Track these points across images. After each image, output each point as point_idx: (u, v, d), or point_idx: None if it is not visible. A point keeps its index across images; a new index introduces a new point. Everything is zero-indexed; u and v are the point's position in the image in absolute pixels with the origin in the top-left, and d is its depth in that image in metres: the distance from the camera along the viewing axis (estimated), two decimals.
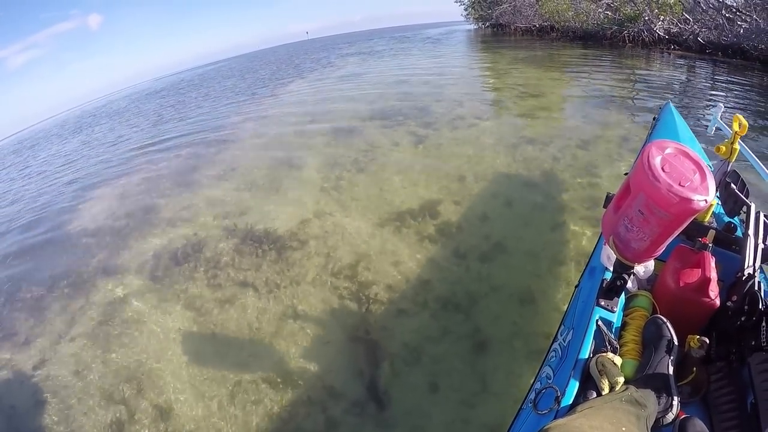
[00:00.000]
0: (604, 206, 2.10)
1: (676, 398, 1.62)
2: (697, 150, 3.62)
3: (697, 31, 16.11)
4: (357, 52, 38.18)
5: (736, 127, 2.45)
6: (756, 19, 13.50)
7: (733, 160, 2.62)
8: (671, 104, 4.55)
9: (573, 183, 5.67)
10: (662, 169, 1.45)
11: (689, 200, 1.39)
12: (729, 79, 11.54)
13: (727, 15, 14.80)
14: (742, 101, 9.08)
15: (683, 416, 1.60)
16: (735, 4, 14.96)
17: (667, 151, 1.51)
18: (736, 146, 2.55)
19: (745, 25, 13.97)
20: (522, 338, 3.42)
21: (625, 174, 1.66)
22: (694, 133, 4.17)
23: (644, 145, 3.61)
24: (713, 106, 3.34)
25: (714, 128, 3.22)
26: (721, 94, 9.79)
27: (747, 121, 2.46)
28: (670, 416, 1.60)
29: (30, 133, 53.50)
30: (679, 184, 1.42)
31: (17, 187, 14.06)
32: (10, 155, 28.34)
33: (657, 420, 1.58)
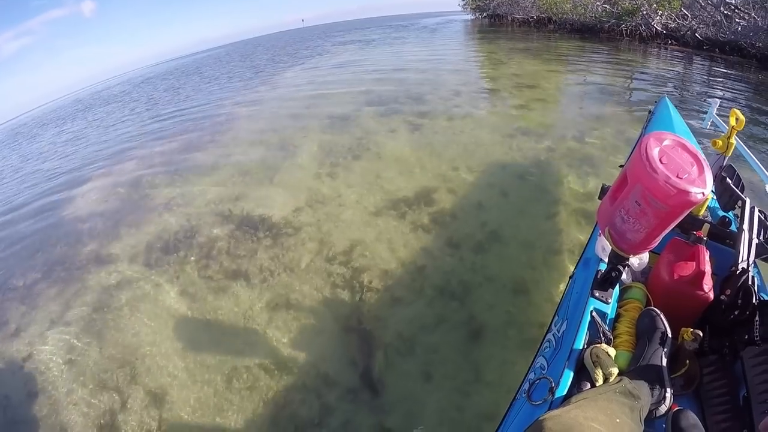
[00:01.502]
0: (600, 197, 2.10)
1: (669, 390, 1.63)
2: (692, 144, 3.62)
3: (695, 27, 16.10)
4: (353, 40, 37.91)
5: (733, 121, 2.45)
6: (754, 17, 13.51)
7: (729, 154, 2.62)
8: (667, 98, 4.54)
9: (568, 174, 5.68)
10: (660, 160, 1.44)
11: (687, 192, 1.38)
12: (726, 75, 11.56)
13: (725, 12, 14.80)
14: (738, 97, 9.12)
15: (676, 408, 1.60)
16: (734, 2, 14.96)
17: (665, 142, 1.50)
18: (733, 141, 2.55)
19: (743, 22, 13.98)
20: (516, 328, 3.44)
21: (621, 166, 1.66)
22: (689, 127, 4.17)
23: (639, 138, 3.61)
24: (710, 101, 3.34)
25: (710, 123, 3.23)
26: (718, 89, 9.82)
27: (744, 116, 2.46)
28: (663, 408, 1.61)
29: (25, 119, 52.96)
30: (677, 176, 1.41)
31: (9, 174, 13.97)
32: (4, 140, 28.16)
33: (650, 412, 1.59)
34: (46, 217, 7.94)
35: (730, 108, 2.59)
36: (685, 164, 1.45)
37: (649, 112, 4.49)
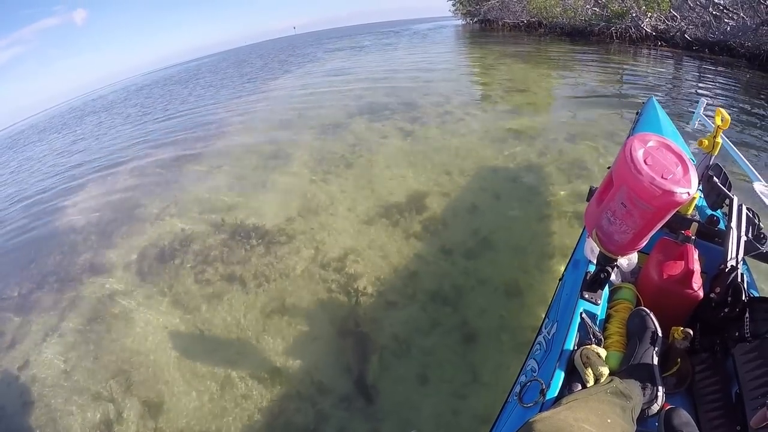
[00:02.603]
0: (587, 199, 2.11)
1: (660, 389, 1.63)
2: (679, 144, 3.65)
3: (684, 28, 16.22)
4: (344, 47, 37.98)
5: (718, 121, 2.46)
6: (743, 17, 13.62)
7: (716, 153, 2.64)
8: (654, 99, 4.57)
9: (559, 177, 5.70)
10: (645, 161, 1.44)
11: (672, 193, 1.39)
12: (715, 75, 11.66)
13: (714, 12, 14.91)
14: (727, 97, 9.19)
15: (668, 407, 1.60)
16: (722, 2, 15.07)
17: (650, 143, 1.51)
18: (719, 140, 2.56)
19: (731, 22, 14.09)
20: (509, 331, 3.45)
21: (608, 168, 1.67)
22: (677, 127, 4.20)
23: (627, 139, 3.64)
24: (697, 101, 3.37)
25: (697, 122, 3.25)
26: (707, 89, 9.90)
27: (730, 115, 2.48)
28: (656, 407, 1.61)
29: (16, 129, 52.88)
30: (662, 177, 1.41)
31: (3, 183, 13.92)
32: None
33: (642, 411, 1.59)
34: (40, 227, 7.93)
35: (718, 107, 2.61)
36: (670, 165, 1.46)
37: (637, 113, 4.52)
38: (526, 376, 1.85)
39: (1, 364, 4.39)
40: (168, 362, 3.82)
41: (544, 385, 1.62)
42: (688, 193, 1.41)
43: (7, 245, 7.53)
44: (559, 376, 1.66)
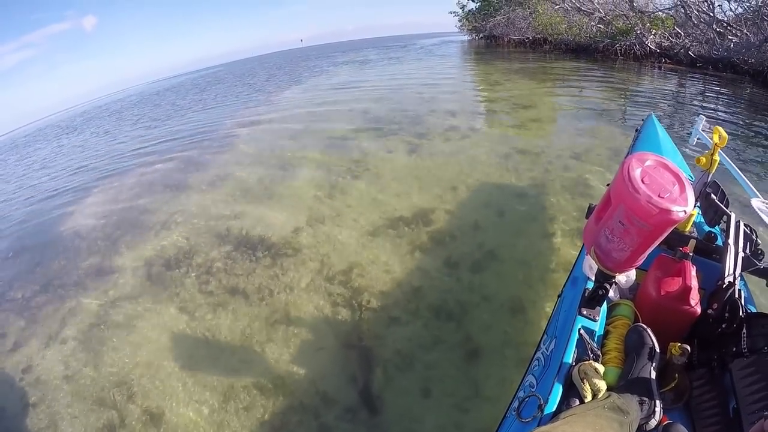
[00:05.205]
0: (586, 217, 2.14)
1: (658, 404, 1.65)
2: (678, 161, 3.69)
3: (688, 45, 16.29)
4: (350, 60, 38.17)
5: (716, 138, 2.50)
6: (746, 34, 13.69)
7: (713, 170, 2.67)
8: (654, 116, 4.61)
9: (563, 193, 5.72)
10: (642, 180, 1.48)
11: (668, 211, 1.42)
12: (718, 92, 11.70)
13: (717, 29, 14.99)
14: (729, 113, 9.21)
15: (666, 422, 1.63)
16: (726, 19, 15.15)
17: (647, 163, 1.55)
18: (717, 157, 2.60)
19: (735, 39, 14.16)
20: (513, 346, 3.45)
21: (607, 185, 1.70)
22: (676, 144, 4.23)
23: (626, 157, 3.67)
24: (696, 119, 3.40)
25: (695, 139, 3.28)
26: (709, 106, 9.92)
27: (731, 132, 2.52)
28: (653, 422, 1.63)
29: (24, 132, 53.34)
30: (659, 196, 1.44)
31: (8, 187, 14.03)
32: (3, 153, 28.44)
33: (640, 426, 1.61)
34: (46, 232, 7.99)
35: (721, 125, 2.65)
36: (667, 183, 1.49)
37: (636, 130, 4.55)
38: (524, 391, 1.87)
39: (4, 367, 4.42)
40: (171, 371, 3.83)
41: (542, 401, 1.64)
42: (685, 211, 1.44)
43: (13, 247, 7.62)
44: (557, 392, 1.68)
